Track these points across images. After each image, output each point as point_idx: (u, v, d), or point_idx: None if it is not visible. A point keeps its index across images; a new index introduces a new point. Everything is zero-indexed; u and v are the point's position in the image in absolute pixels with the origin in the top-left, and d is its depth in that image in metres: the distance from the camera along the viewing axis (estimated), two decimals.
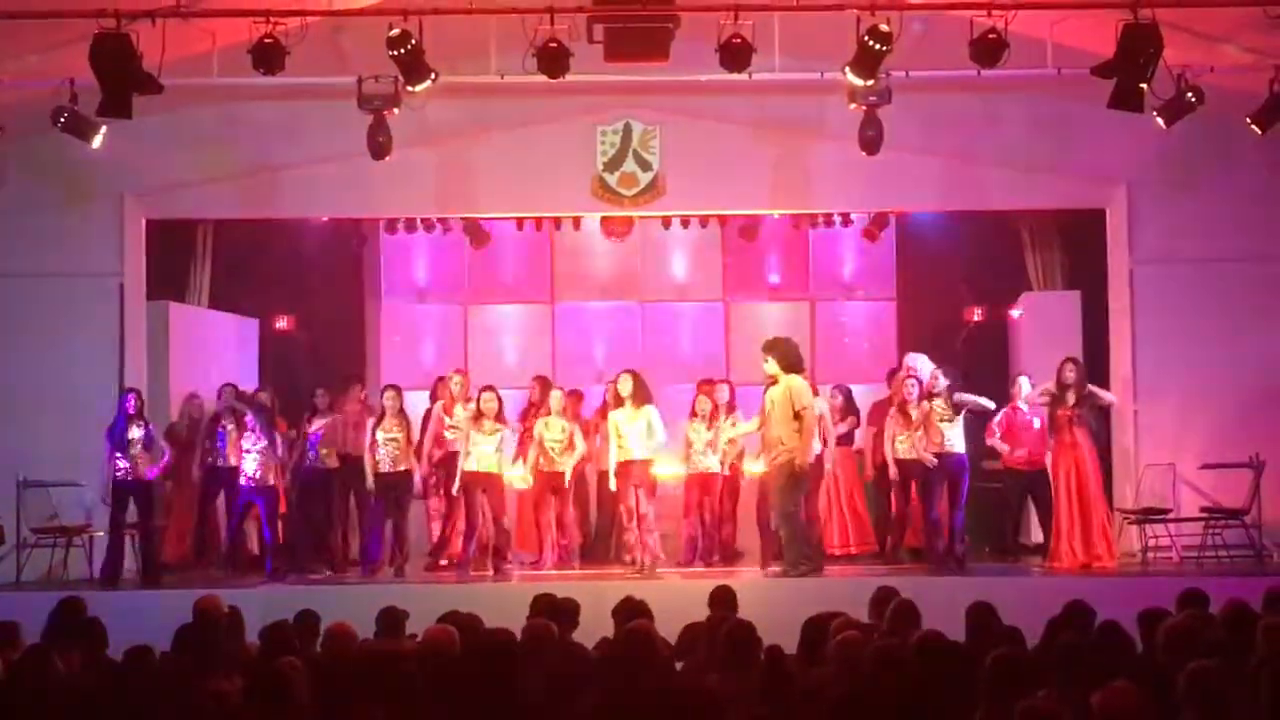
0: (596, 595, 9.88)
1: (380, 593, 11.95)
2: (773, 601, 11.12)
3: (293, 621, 8.44)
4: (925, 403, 13.84)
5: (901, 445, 13.98)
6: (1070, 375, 13.88)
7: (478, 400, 14.05)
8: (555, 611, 8.58)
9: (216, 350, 16.21)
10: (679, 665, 8.16)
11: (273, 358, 16.83)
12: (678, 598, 10.78)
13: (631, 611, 8.44)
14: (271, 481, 13.94)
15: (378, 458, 14.15)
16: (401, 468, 14.21)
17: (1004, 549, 14.67)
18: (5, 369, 14.65)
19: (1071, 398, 13.83)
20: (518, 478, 14.54)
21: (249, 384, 15.53)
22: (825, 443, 14.05)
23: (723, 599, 9.20)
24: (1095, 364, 15.26)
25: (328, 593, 12.77)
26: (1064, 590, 10.44)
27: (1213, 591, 8.78)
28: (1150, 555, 14.30)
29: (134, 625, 8.77)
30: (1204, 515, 14.23)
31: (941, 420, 13.74)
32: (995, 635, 7.67)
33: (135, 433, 13.74)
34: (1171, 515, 14.40)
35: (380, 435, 14.17)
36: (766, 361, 13.36)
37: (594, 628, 8.77)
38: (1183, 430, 14.93)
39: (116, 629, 8.43)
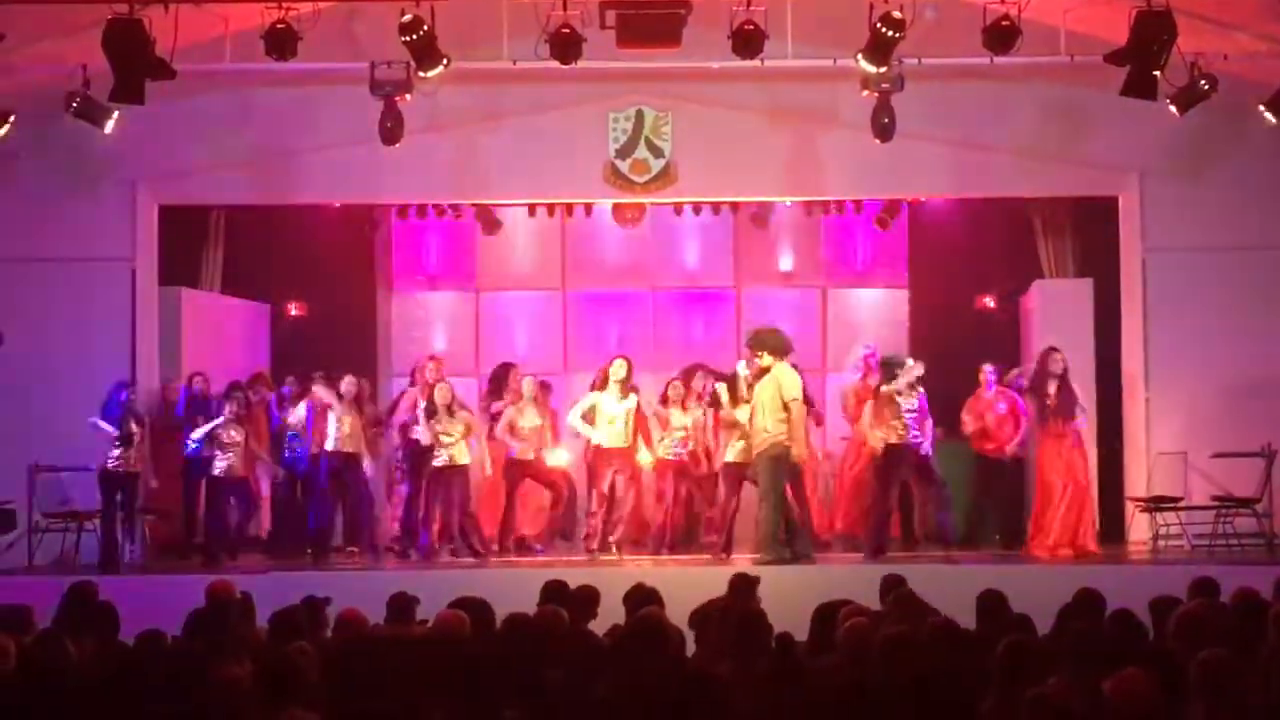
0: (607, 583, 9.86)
1: (390, 579, 11.97)
2: (784, 589, 11.09)
3: (302, 607, 8.45)
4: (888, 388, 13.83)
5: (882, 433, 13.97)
6: (1058, 366, 13.82)
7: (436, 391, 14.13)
8: (568, 599, 8.58)
9: (228, 336, 16.24)
10: (691, 645, 8.16)
11: (284, 343, 16.84)
12: (689, 584, 10.77)
13: (642, 598, 8.45)
14: (243, 474, 13.98)
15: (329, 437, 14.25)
16: (348, 449, 14.22)
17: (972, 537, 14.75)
18: (18, 354, 14.66)
19: (1053, 387, 13.76)
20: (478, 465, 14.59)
21: (261, 370, 15.60)
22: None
23: (741, 586, 9.19)
24: (1107, 352, 15.28)
25: (337, 578, 12.77)
26: (1074, 578, 10.42)
27: (1224, 580, 8.77)
28: (1161, 544, 14.29)
29: (139, 610, 8.80)
30: (1215, 504, 14.21)
31: (908, 409, 13.75)
32: (1006, 623, 7.67)
33: (133, 426, 13.75)
34: (1183, 503, 14.39)
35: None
36: (759, 356, 13.34)
37: (605, 616, 8.78)
38: (1194, 418, 14.90)
39: (124, 614, 8.46)
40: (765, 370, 13.28)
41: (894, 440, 13.65)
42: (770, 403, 13.15)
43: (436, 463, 13.94)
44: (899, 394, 13.64)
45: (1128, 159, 15.11)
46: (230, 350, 15.92)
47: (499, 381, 15.24)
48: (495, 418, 14.80)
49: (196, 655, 7.28)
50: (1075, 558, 13.47)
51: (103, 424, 13.66)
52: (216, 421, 14.02)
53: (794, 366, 13.69)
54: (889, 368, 13.92)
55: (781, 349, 13.34)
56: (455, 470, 13.97)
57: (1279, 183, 14.87)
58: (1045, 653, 6.47)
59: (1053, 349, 13.98)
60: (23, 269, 14.93)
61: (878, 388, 13.89)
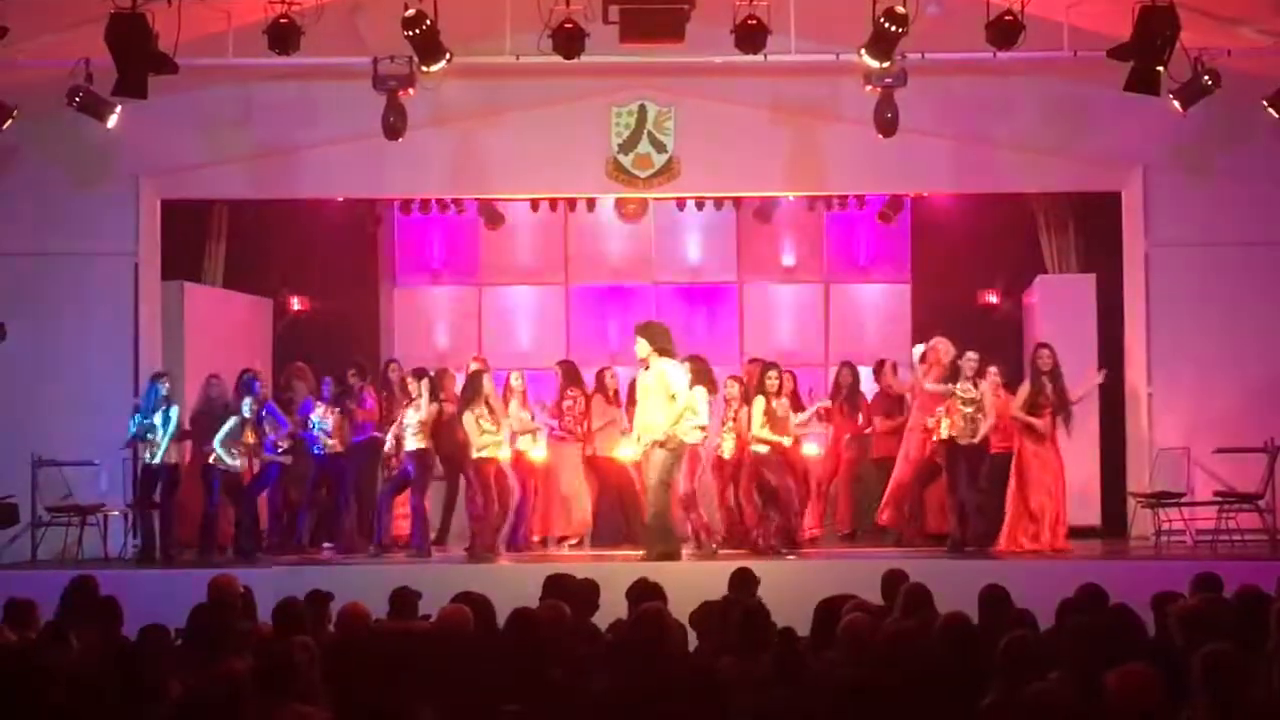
0: (606, 577, 9.85)
1: (393, 573, 11.96)
2: (786, 584, 11.12)
3: (305, 601, 8.45)
4: (954, 385, 13.77)
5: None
6: (1048, 363, 13.76)
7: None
8: (570, 593, 8.58)
9: (231, 330, 16.22)
10: (694, 642, 8.16)
11: (286, 338, 16.84)
12: (692, 579, 10.78)
13: (645, 593, 8.45)
14: (237, 465, 13.99)
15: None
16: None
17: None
18: (21, 348, 14.67)
19: (1048, 385, 13.69)
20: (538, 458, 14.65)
21: (263, 364, 15.60)
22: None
23: (741, 581, 9.20)
24: (1110, 347, 15.28)
25: (340, 573, 12.78)
26: (1077, 573, 10.43)
27: (1226, 575, 8.76)
28: (1164, 539, 14.26)
29: (146, 604, 8.81)
30: (1218, 499, 14.20)
31: (965, 404, 13.70)
32: (1008, 618, 7.67)
33: (158, 418, 13.77)
34: (1185, 499, 14.38)
35: None
36: (638, 344, 13.37)
37: (606, 610, 8.78)
38: (1197, 414, 14.91)
39: (128, 608, 8.47)
40: (640, 363, 13.37)
41: (955, 435, 13.64)
42: (657, 397, 13.16)
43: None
44: (961, 388, 13.65)
45: (1131, 154, 15.11)
46: (232, 345, 15.89)
47: (571, 376, 15.21)
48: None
49: (199, 649, 7.30)
50: (1053, 554, 13.43)
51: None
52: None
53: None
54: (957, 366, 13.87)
55: (662, 345, 13.34)
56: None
57: None
58: (1048, 648, 6.47)
59: (1041, 346, 13.94)
60: (26, 263, 14.93)
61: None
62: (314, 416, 14.43)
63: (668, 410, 13.10)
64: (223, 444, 13.85)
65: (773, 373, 13.92)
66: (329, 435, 14.37)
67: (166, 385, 13.87)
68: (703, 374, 13.76)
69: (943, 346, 14.36)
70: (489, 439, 13.84)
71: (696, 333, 17.49)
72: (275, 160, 15.24)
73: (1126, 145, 14.97)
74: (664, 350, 13.33)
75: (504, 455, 14.11)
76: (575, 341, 17.55)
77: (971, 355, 13.76)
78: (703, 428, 13.51)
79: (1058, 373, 13.68)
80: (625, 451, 14.52)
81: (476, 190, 15.95)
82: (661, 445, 13.12)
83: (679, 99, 15.18)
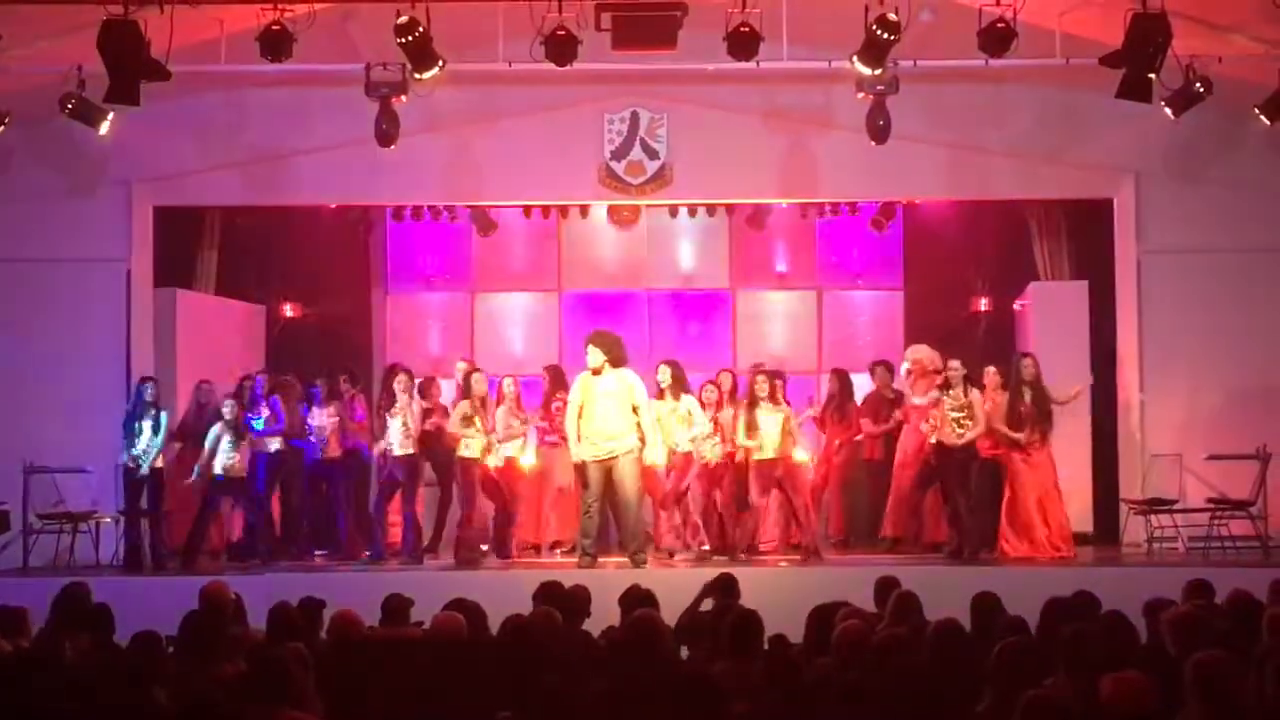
0: (598, 584, 9.85)
1: (385, 580, 11.96)
2: (779, 590, 11.13)
3: (298, 608, 8.44)
4: (938, 393, 13.75)
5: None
6: (1030, 372, 13.76)
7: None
8: (561, 600, 8.58)
9: (224, 337, 16.20)
10: (684, 652, 8.16)
11: (280, 345, 16.81)
12: (683, 586, 10.76)
13: (637, 600, 8.45)
14: (236, 473, 13.93)
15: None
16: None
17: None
18: (12, 355, 14.68)
19: (1028, 394, 13.69)
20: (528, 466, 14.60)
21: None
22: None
23: (722, 586, 9.20)
24: (1102, 354, 15.28)
25: (333, 580, 12.77)
26: (1069, 580, 10.44)
27: (1218, 582, 8.77)
28: (1156, 546, 14.27)
29: (137, 611, 8.80)
30: (1210, 506, 14.21)
31: (954, 410, 13.66)
32: (1001, 625, 7.67)
33: (147, 423, 13.73)
34: (1178, 506, 14.38)
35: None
36: (591, 352, 13.33)
37: (598, 616, 8.78)
38: (1190, 421, 14.92)
39: (120, 614, 8.46)
40: (593, 370, 13.31)
41: (945, 441, 13.60)
42: (620, 405, 13.19)
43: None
44: (949, 394, 13.63)
45: (1123, 161, 15.12)
46: (225, 352, 15.88)
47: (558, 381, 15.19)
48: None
49: (191, 656, 7.29)
50: (1054, 561, 13.43)
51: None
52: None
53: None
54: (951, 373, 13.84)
55: (617, 355, 13.36)
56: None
57: (1274, 185, 14.88)
58: (1042, 654, 6.47)
59: (1024, 355, 13.98)
60: (18, 269, 14.92)
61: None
62: (312, 420, 14.41)
63: (630, 420, 13.17)
64: (207, 461, 13.78)
65: (760, 378, 13.97)
66: (326, 439, 14.35)
67: (152, 390, 13.83)
68: (680, 380, 13.84)
69: (925, 355, 14.37)
70: (472, 439, 13.74)
71: (689, 340, 17.51)
72: (268, 167, 15.23)
73: (1118, 152, 14.99)
74: (618, 360, 13.36)
75: (492, 462, 13.98)
76: (568, 348, 17.52)
77: (955, 364, 13.74)
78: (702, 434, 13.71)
79: (1039, 383, 13.69)
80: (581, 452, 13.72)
81: (469, 197, 15.95)
82: (629, 455, 13.18)
83: (671, 106, 15.19)
